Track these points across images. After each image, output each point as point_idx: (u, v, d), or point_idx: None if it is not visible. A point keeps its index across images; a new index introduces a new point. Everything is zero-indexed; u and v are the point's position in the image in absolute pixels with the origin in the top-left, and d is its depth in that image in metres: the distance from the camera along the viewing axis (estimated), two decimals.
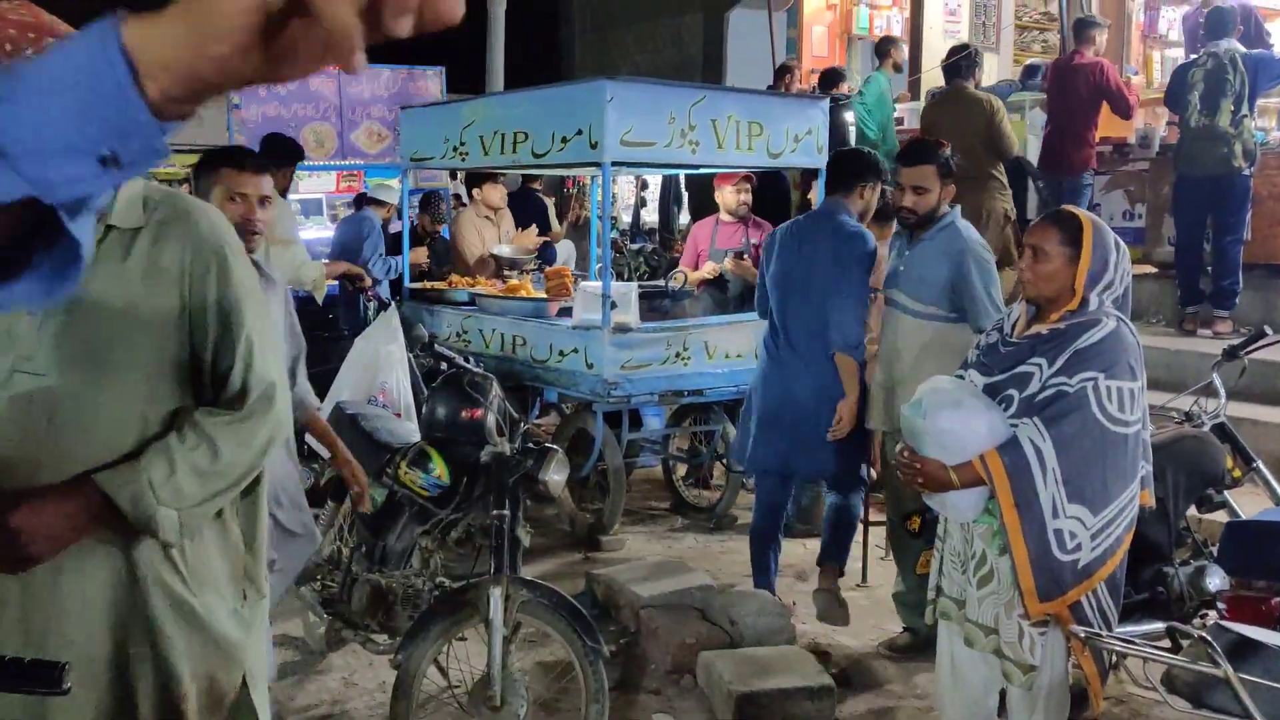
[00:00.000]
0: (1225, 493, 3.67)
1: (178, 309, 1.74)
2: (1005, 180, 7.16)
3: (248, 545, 1.92)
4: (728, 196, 6.01)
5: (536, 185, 9.46)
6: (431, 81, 9.10)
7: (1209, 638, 2.12)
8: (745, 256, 5.94)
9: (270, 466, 2.63)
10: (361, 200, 7.95)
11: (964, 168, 7.00)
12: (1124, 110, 7.45)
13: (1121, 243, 2.81)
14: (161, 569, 1.75)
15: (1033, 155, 7.96)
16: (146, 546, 1.73)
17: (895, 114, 8.90)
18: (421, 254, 7.83)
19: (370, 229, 7.28)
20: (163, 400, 1.75)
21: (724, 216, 6.14)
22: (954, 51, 7.58)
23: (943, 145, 4.00)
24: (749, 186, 6.01)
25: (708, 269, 6.01)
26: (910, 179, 3.89)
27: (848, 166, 4.38)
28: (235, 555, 1.89)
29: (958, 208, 3.99)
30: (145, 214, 1.74)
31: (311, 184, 8.95)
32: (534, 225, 7.35)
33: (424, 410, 3.89)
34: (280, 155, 5.54)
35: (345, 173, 8.96)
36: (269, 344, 1.86)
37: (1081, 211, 2.87)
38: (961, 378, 2.92)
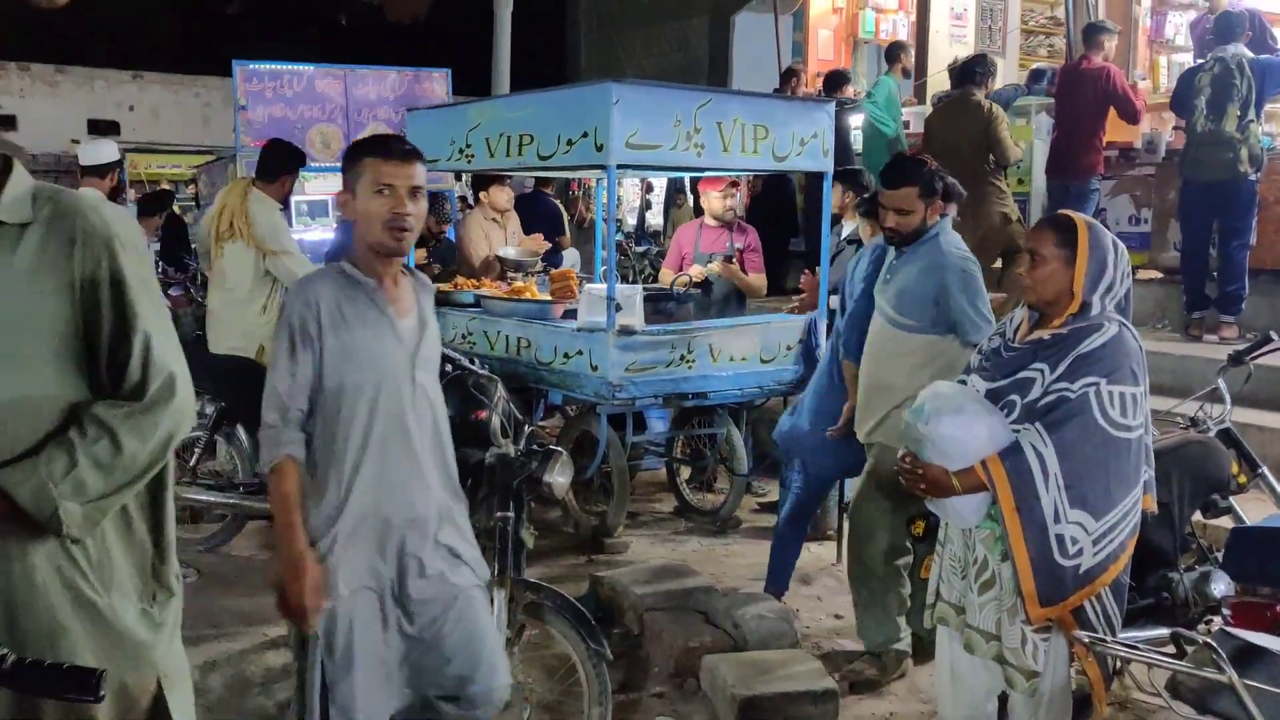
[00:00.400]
0: (1230, 498, 3.67)
1: (70, 302, 1.72)
2: (1004, 185, 7.18)
3: (155, 543, 1.89)
4: (713, 202, 6.12)
5: (549, 190, 9.45)
6: (437, 83, 9.11)
7: (1214, 644, 2.12)
8: (732, 260, 5.98)
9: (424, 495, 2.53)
10: None
11: (962, 174, 7.04)
12: (1131, 115, 7.45)
13: (1120, 244, 2.81)
14: (63, 568, 1.73)
15: (1040, 160, 7.96)
16: (46, 545, 1.70)
17: (903, 117, 8.90)
18: (420, 255, 7.89)
19: None
20: (60, 394, 1.72)
21: (708, 220, 6.21)
22: (966, 67, 7.56)
23: (927, 163, 3.96)
24: (735, 192, 6.06)
25: (694, 271, 6.06)
26: (892, 201, 3.82)
27: None
28: (142, 554, 1.86)
29: (947, 219, 3.92)
30: (33, 210, 1.73)
31: (317, 185, 8.95)
32: (539, 234, 7.36)
33: None
34: (281, 161, 5.54)
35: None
36: (167, 335, 1.84)
37: (1077, 214, 2.87)
38: (964, 383, 2.92)
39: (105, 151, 6.13)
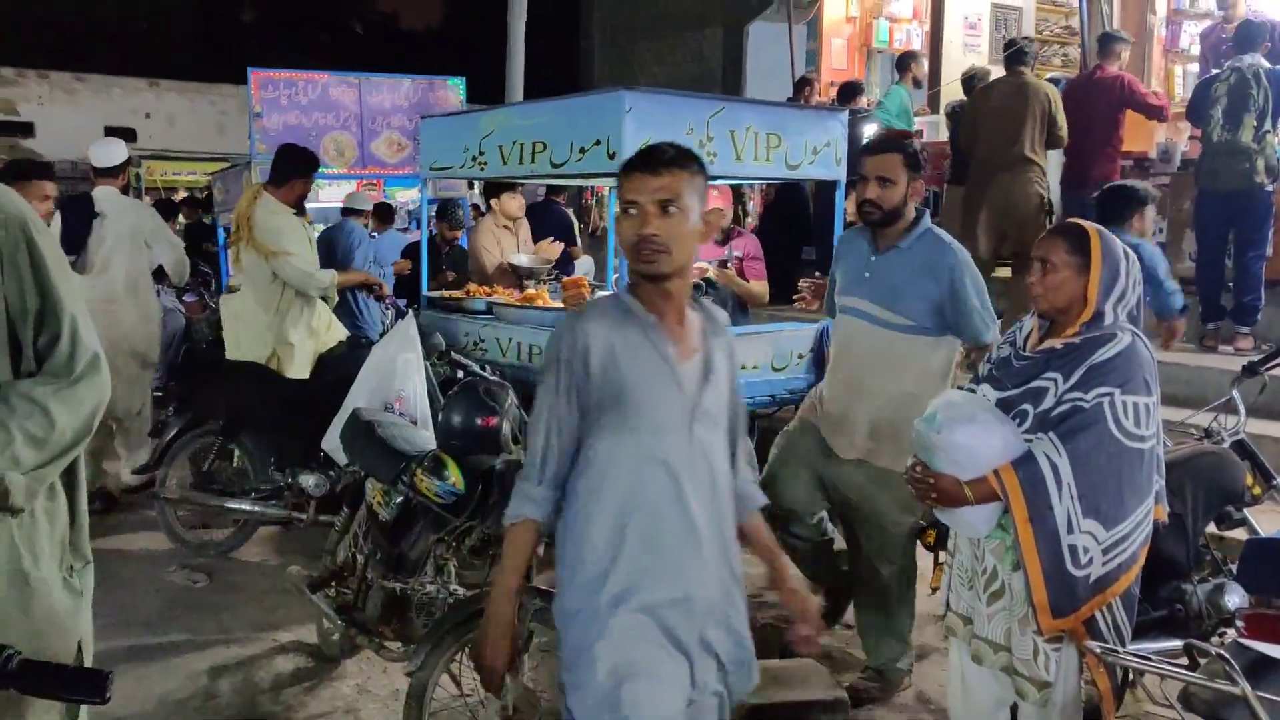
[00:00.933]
0: (1244, 510, 3.64)
1: None
2: (1045, 168, 7.14)
3: (71, 514, 1.94)
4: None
5: (560, 198, 9.48)
6: (451, 91, 9.14)
7: (1227, 655, 2.11)
8: (729, 265, 5.99)
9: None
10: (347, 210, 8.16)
11: (1010, 153, 6.92)
12: (1158, 114, 7.53)
13: (1131, 253, 2.80)
14: (4, 544, 1.77)
15: (1054, 170, 7.94)
16: None
17: (915, 127, 8.89)
18: (405, 265, 8.03)
19: (360, 239, 7.40)
20: None
21: None
22: (1012, 43, 7.55)
23: (910, 137, 3.85)
24: (722, 210, 6.13)
25: (695, 269, 6.09)
26: (875, 168, 3.55)
27: (1118, 199, 4.97)
28: (62, 525, 1.91)
29: (927, 211, 3.71)
30: None
31: (333, 193, 9.00)
32: (552, 237, 7.40)
33: (440, 418, 3.90)
34: (290, 166, 5.58)
35: (365, 182, 9.02)
36: (85, 315, 1.90)
37: (1086, 223, 2.86)
38: (973, 391, 2.91)
39: (116, 152, 6.21)
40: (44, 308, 1.81)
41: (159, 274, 6.52)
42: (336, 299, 5.89)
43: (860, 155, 3.71)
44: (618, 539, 2.12)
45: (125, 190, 6.42)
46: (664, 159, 2.11)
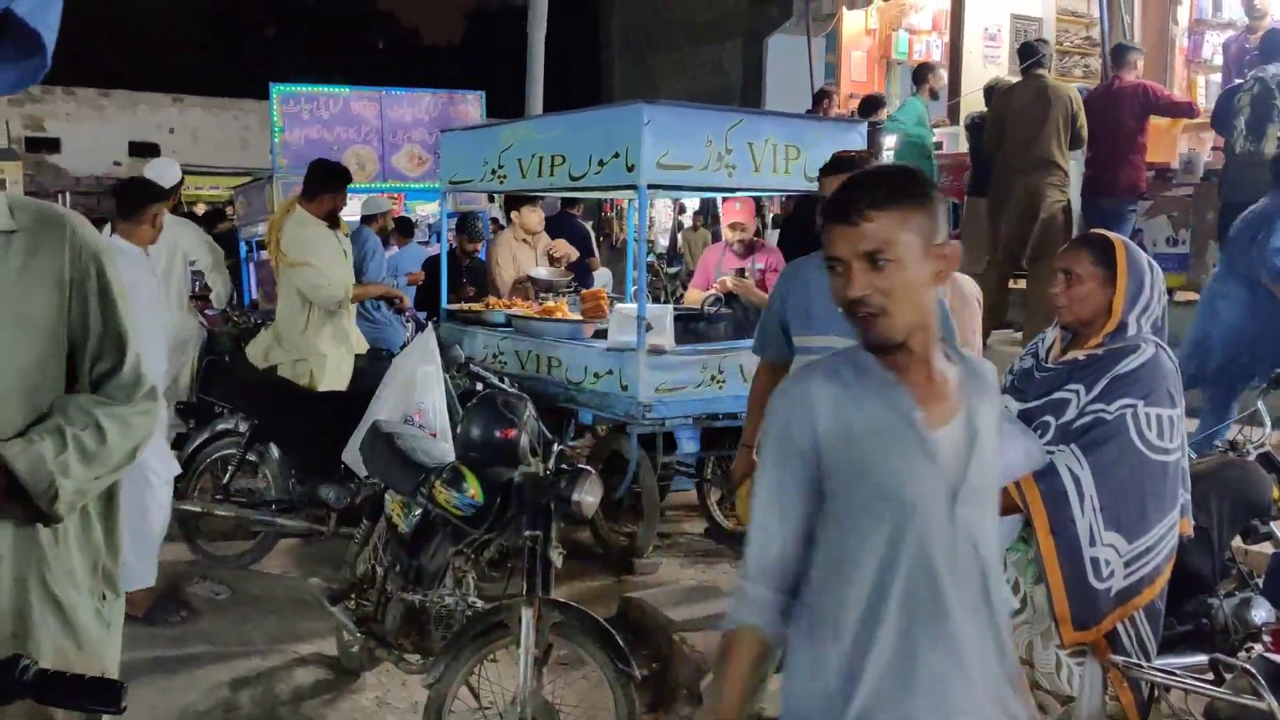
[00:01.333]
0: (1271, 523, 3.60)
1: (57, 308, 1.79)
2: (1068, 171, 7.08)
3: (108, 544, 1.95)
4: (726, 233, 6.22)
5: (576, 211, 9.52)
6: (471, 105, 9.21)
7: (1253, 670, 2.08)
8: (746, 274, 5.99)
9: None
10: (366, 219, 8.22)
11: (1033, 156, 6.81)
12: (1186, 112, 7.59)
13: (1155, 264, 2.78)
14: (39, 567, 1.78)
15: (1075, 180, 7.90)
16: (24, 543, 1.75)
17: (935, 138, 8.85)
18: (419, 276, 8.08)
19: (374, 248, 7.44)
20: (40, 396, 1.78)
21: (731, 243, 6.27)
22: (1027, 46, 7.52)
23: (869, 155, 3.73)
24: (743, 225, 6.12)
25: (717, 285, 6.10)
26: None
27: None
28: (95, 553, 1.92)
29: None
30: (13, 219, 1.79)
31: (353, 206, 9.07)
32: (564, 239, 7.44)
33: (459, 430, 3.91)
34: (317, 181, 5.63)
35: (386, 195, 9.09)
36: (146, 348, 1.95)
37: (1110, 233, 2.84)
38: None
39: (171, 174, 6.28)
40: (105, 336, 1.85)
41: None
42: (353, 311, 5.92)
43: (820, 175, 3.53)
44: (860, 652, 1.70)
45: (174, 210, 6.49)
46: (862, 203, 1.70)
